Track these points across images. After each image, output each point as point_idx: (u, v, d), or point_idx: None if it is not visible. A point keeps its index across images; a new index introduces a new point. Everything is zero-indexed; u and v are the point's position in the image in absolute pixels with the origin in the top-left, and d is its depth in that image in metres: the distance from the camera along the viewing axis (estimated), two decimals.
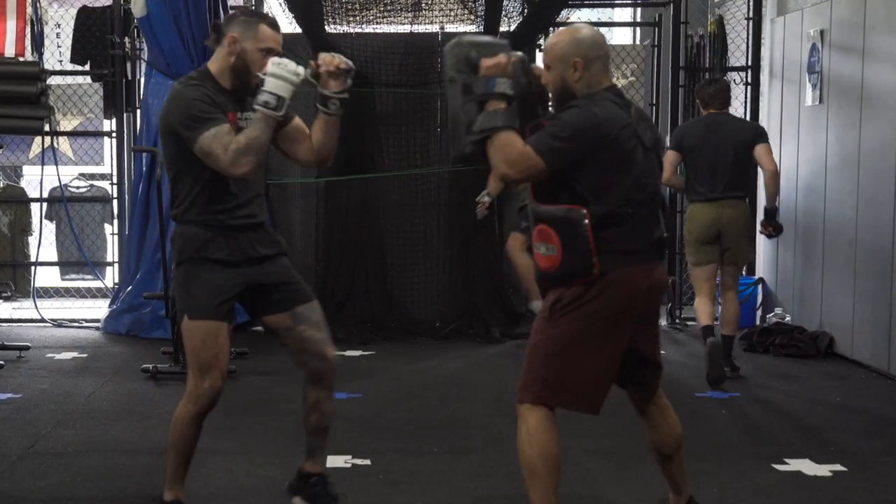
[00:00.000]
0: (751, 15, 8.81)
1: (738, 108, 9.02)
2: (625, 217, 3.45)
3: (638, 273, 3.50)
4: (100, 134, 9.35)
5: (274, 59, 3.77)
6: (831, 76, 7.56)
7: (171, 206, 3.90)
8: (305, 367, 4.05)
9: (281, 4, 8.28)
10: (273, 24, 3.85)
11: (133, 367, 6.87)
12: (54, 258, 9.46)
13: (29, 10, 8.79)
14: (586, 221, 3.42)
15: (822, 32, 7.68)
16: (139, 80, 8.80)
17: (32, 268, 9.25)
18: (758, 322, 8.58)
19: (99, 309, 8.74)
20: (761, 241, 8.83)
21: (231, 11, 3.80)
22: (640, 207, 3.49)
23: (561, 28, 3.92)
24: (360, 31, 8.32)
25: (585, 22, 9.39)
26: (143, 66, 8.65)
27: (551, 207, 3.49)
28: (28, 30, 8.79)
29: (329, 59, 3.88)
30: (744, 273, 8.85)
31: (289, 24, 8.43)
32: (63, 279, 9.55)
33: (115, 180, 9.03)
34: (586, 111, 3.45)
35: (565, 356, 3.50)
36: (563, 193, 3.47)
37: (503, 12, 8.31)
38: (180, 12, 8.07)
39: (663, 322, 8.76)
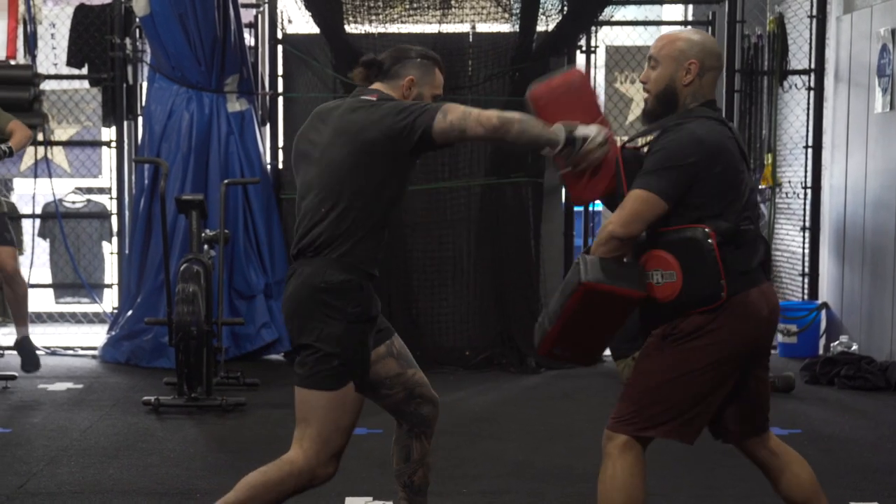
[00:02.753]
0: (814, 12, 8.81)
1: (799, 114, 9.03)
2: (745, 234, 3.54)
3: (756, 296, 3.56)
4: (98, 144, 9.47)
5: None
6: None
7: (324, 243, 3.64)
8: (412, 418, 3.98)
9: (297, 2, 8.37)
10: (442, 67, 3.96)
11: (133, 400, 6.94)
12: (48, 280, 9.57)
13: (21, 8, 8.93)
14: (711, 240, 3.47)
15: (893, 32, 7.70)
16: (141, 85, 8.90)
17: None
18: (821, 351, 8.56)
19: (96, 335, 8.82)
20: (825, 263, 8.83)
21: (404, 49, 3.86)
22: (754, 224, 3.62)
23: (672, 31, 3.99)
24: (382, 31, 8.39)
25: (632, 21, 9.46)
26: (146, 69, 8.76)
27: (664, 231, 3.52)
28: (20, 30, 8.93)
29: None
30: (806, 297, 8.86)
31: (305, 24, 8.54)
32: (57, 303, 9.66)
33: (114, 194, 9.13)
34: (684, 130, 3.54)
35: (676, 384, 3.56)
36: (672, 216, 3.52)
37: (540, 10, 8.35)
38: (186, 10, 8.17)
39: None
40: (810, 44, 8.88)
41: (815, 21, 8.83)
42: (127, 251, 8.68)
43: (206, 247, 7.17)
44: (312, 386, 3.63)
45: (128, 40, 8.78)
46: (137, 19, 8.48)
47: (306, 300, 3.64)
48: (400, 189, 3.72)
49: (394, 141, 3.62)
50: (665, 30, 10.79)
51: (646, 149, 3.67)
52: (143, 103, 8.68)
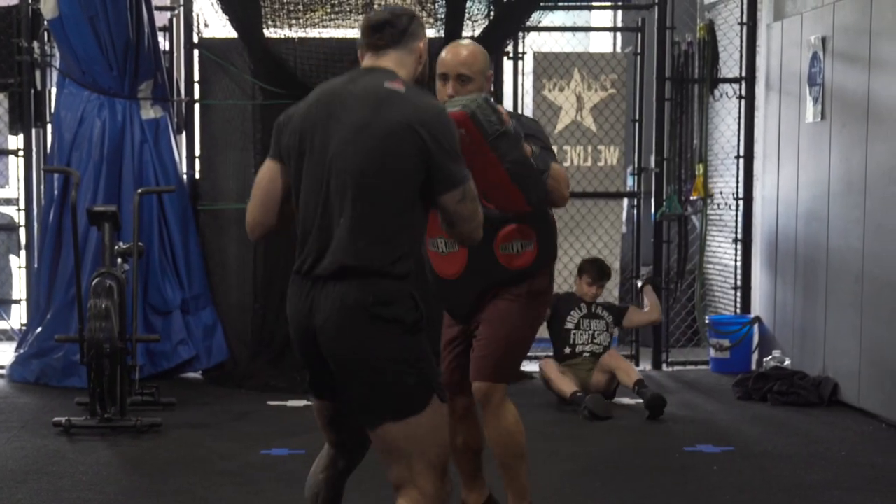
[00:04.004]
0: (745, 20, 8.97)
1: (731, 123, 9.20)
2: None
3: None
4: (4, 152, 9.36)
5: None
6: (834, 89, 7.74)
7: (375, 256, 3.38)
8: (358, 456, 3.79)
9: (214, 5, 8.35)
10: None
11: (43, 421, 6.87)
12: None
13: None
14: (552, 210, 4.39)
15: (823, 40, 7.86)
16: (50, 91, 8.82)
17: None
18: (754, 366, 8.71)
19: (3, 353, 8.74)
20: (757, 276, 8.99)
21: (406, 7, 3.67)
22: None
23: (463, 41, 4.22)
24: (303, 35, 8.41)
25: (560, 27, 9.56)
26: (55, 74, 8.68)
27: None
28: None
29: None
30: (738, 311, 9.02)
31: (222, 28, 8.52)
32: None
33: (22, 205, 9.02)
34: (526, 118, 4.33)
35: (531, 336, 4.49)
36: None
37: (466, 15, 8.41)
38: (97, 13, 8.12)
39: (647, 367, 8.88)
40: (741, 51, 9.04)
41: (745, 28, 8.99)
42: (36, 265, 8.58)
43: (119, 260, 7.13)
44: (409, 411, 3.37)
45: (35, 44, 8.67)
46: (46, 22, 8.39)
47: (359, 319, 3.38)
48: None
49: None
50: (595, 36, 10.94)
51: None
52: (53, 110, 8.60)
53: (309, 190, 3.45)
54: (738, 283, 9.11)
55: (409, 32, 3.54)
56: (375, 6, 8.54)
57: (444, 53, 4.24)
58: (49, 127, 8.72)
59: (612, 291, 9.06)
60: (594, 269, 7.73)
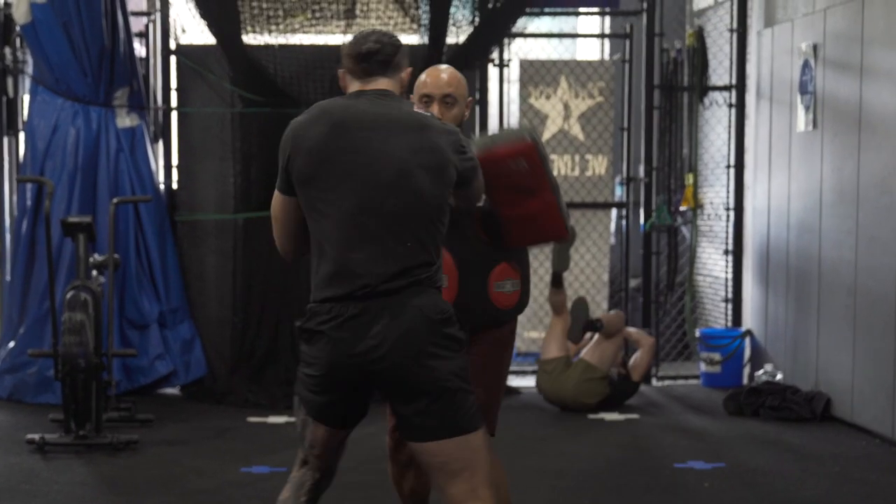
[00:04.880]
0: (735, 26, 9.04)
1: (721, 132, 9.26)
2: None
3: None
4: None
5: None
6: (826, 97, 7.80)
7: (432, 277, 3.57)
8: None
9: (191, 10, 8.36)
10: None
11: (16, 438, 6.87)
12: None
13: None
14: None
15: (814, 47, 7.92)
16: (22, 98, 8.82)
17: None
18: (745, 381, 8.76)
19: None
20: (749, 289, 9.04)
21: (389, 34, 3.70)
22: None
23: (442, 66, 4.30)
24: (284, 41, 8.43)
25: (547, 33, 9.62)
26: (28, 81, 8.69)
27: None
28: None
29: None
30: (729, 324, 9.07)
31: (200, 34, 8.54)
32: None
33: None
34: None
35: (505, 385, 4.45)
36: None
37: (450, 21, 8.45)
38: (71, 18, 8.12)
39: None
40: (731, 59, 9.10)
41: (735, 35, 9.05)
42: (8, 278, 8.56)
43: (94, 273, 7.14)
44: (469, 427, 3.52)
45: (7, 50, 8.68)
46: (18, 27, 8.39)
47: (427, 338, 3.49)
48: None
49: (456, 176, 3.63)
50: (582, 43, 11.01)
51: None
52: (25, 118, 8.59)
53: (350, 213, 3.51)
54: (729, 295, 9.16)
55: (394, 64, 3.66)
56: (357, 12, 8.58)
57: (424, 77, 4.21)
58: (21, 135, 8.70)
59: (600, 305, 9.11)
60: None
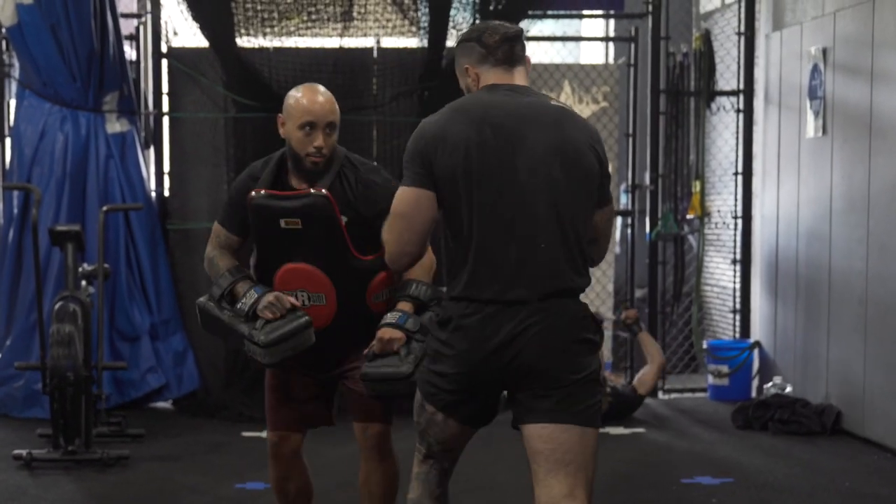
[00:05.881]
0: (742, 30, 9.08)
1: (728, 138, 9.30)
2: None
3: None
4: None
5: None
6: (836, 102, 7.84)
7: (577, 277, 3.66)
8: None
9: (183, 12, 8.39)
10: None
11: (2, 454, 6.88)
12: None
13: None
14: None
15: (824, 51, 7.96)
16: (9, 103, 8.84)
17: None
18: (754, 394, 8.78)
19: None
20: (757, 299, 9.07)
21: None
22: None
23: (315, 85, 4.51)
24: (278, 45, 8.46)
25: (550, 36, 9.65)
26: (14, 85, 8.72)
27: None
28: None
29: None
30: (737, 335, 9.10)
31: (193, 36, 8.57)
32: None
33: None
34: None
35: None
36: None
37: (450, 23, 8.48)
38: (59, 20, 8.15)
39: None
40: (738, 63, 9.14)
41: (742, 39, 9.09)
42: None
43: (83, 283, 7.17)
44: (590, 423, 3.63)
45: None
46: (4, 29, 8.42)
47: (569, 339, 3.62)
48: None
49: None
50: (586, 46, 11.04)
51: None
52: (12, 123, 8.62)
53: (493, 211, 3.57)
54: (737, 305, 9.19)
55: (525, 51, 3.76)
56: (354, 14, 8.61)
57: (302, 100, 4.29)
58: (8, 141, 8.72)
59: (605, 315, 9.14)
60: None
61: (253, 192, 4.31)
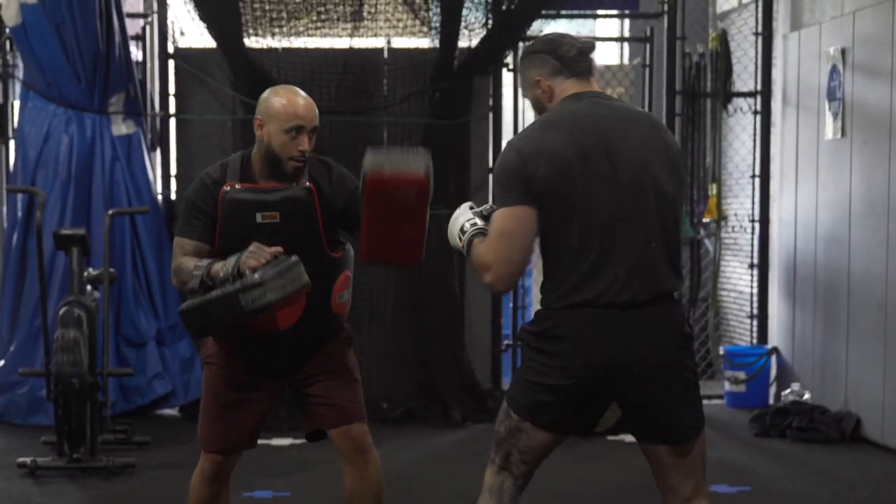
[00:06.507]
0: (760, 30, 9.08)
1: (746, 140, 9.30)
2: None
3: None
4: None
5: None
6: (855, 104, 7.84)
7: (678, 278, 3.82)
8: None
9: (190, 12, 8.42)
10: None
11: (6, 462, 6.91)
12: None
13: None
14: None
15: (843, 51, 7.97)
16: (13, 104, 8.87)
17: None
18: (771, 400, 8.79)
19: None
20: (775, 304, 9.07)
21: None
22: None
23: (294, 87, 4.50)
24: (287, 45, 8.49)
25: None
26: (18, 86, 8.75)
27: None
28: None
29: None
30: (755, 341, 9.10)
31: (200, 37, 8.60)
32: None
33: None
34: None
35: None
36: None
37: (462, 23, 8.50)
38: (64, 20, 8.18)
39: None
40: (756, 64, 9.14)
41: (760, 39, 9.10)
42: None
43: (88, 288, 7.18)
44: (703, 424, 3.85)
45: None
46: (8, 30, 8.44)
47: (681, 340, 3.76)
48: None
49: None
50: (600, 46, 11.01)
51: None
52: (16, 125, 8.65)
53: (597, 220, 3.65)
54: (754, 311, 9.19)
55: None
56: (364, 14, 8.63)
57: (290, 104, 4.33)
58: (12, 143, 8.76)
59: None
60: None
61: (226, 187, 4.32)
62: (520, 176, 3.65)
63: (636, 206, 3.66)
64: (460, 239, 3.81)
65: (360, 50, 8.68)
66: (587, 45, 3.81)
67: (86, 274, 7.13)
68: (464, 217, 3.84)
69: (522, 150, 3.68)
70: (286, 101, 4.34)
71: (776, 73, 9.06)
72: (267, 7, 8.46)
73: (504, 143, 4.44)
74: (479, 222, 3.79)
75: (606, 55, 10.90)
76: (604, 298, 3.64)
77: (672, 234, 3.73)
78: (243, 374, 4.46)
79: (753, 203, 9.18)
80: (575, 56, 3.76)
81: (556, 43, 3.79)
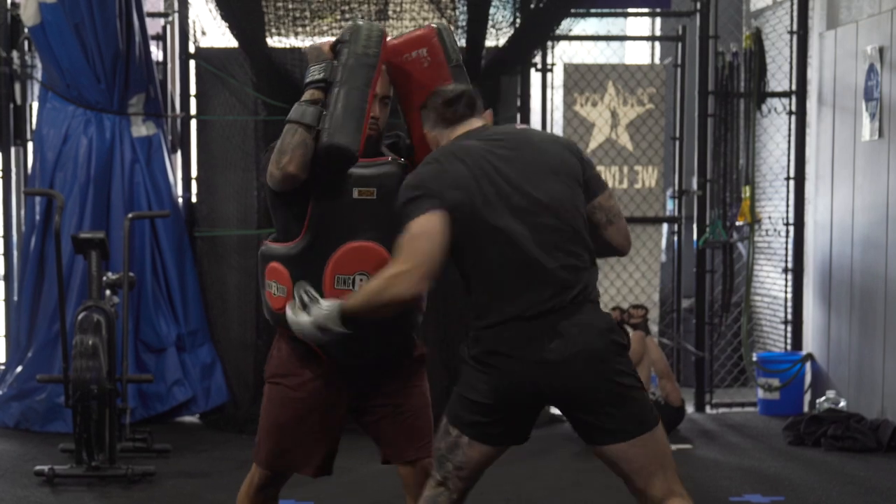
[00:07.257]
0: (795, 28, 9.07)
1: (780, 142, 9.28)
2: None
3: None
4: None
5: None
6: (893, 104, 7.82)
7: (594, 284, 3.95)
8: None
9: (212, 12, 8.44)
10: None
11: (24, 470, 6.95)
12: None
13: None
14: None
15: (881, 50, 7.95)
16: (31, 106, 8.92)
17: None
18: (806, 408, 8.78)
19: None
20: (810, 310, 9.05)
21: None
22: None
23: None
24: (311, 44, 8.50)
25: (593, 35, 9.66)
26: (37, 87, 8.79)
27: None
28: None
29: None
30: (789, 348, 9.08)
31: (221, 36, 8.62)
32: None
33: (0, 232, 9.13)
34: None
35: None
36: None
37: (490, 22, 8.50)
38: (83, 20, 8.21)
39: (690, 409, 8.93)
40: (791, 63, 9.13)
41: (795, 37, 9.08)
42: (16, 298, 8.66)
43: (108, 292, 7.21)
44: (655, 421, 3.92)
45: (15, 54, 8.75)
46: (26, 29, 8.48)
47: (605, 345, 3.86)
48: None
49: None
50: (631, 46, 11.03)
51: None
52: (34, 126, 8.69)
53: (507, 236, 3.80)
54: (789, 316, 9.18)
55: (478, 105, 4.03)
56: (390, 12, 8.65)
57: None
58: (30, 145, 8.80)
59: (650, 327, 9.13)
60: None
61: None
62: (426, 190, 3.79)
63: (547, 221, 3.83)
64: (325, 318, 3.82)
65: None
66: (454, 93, 3.95)
67: (105, 278, 7.14)
68: (302, 311, 3.90)
69: (424, 174, 3.85)
70: None
71: (811, 73, 9.05)
72: (290, 6, 8.46)
73: None
74: (320, 298, 3.89)
75: (637, 54, 10.90)
76: (530, 311, 3.78)
77: (583, 245, 3.89)
78: (310, 398, 4.27)
79: (788, 206, 9.16)
80: (442, 106, 3.95)
81: (433, 95, 3.97)
